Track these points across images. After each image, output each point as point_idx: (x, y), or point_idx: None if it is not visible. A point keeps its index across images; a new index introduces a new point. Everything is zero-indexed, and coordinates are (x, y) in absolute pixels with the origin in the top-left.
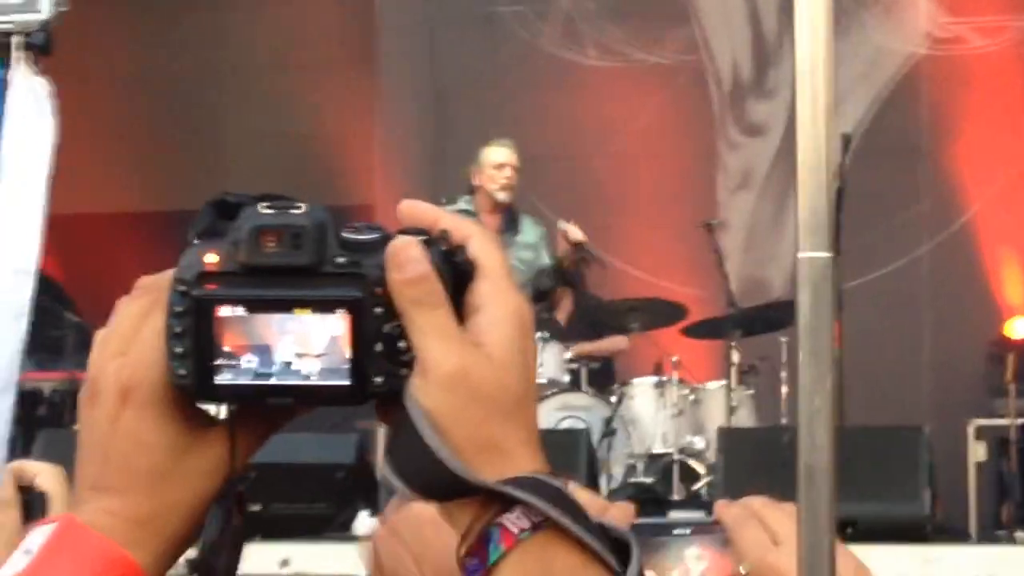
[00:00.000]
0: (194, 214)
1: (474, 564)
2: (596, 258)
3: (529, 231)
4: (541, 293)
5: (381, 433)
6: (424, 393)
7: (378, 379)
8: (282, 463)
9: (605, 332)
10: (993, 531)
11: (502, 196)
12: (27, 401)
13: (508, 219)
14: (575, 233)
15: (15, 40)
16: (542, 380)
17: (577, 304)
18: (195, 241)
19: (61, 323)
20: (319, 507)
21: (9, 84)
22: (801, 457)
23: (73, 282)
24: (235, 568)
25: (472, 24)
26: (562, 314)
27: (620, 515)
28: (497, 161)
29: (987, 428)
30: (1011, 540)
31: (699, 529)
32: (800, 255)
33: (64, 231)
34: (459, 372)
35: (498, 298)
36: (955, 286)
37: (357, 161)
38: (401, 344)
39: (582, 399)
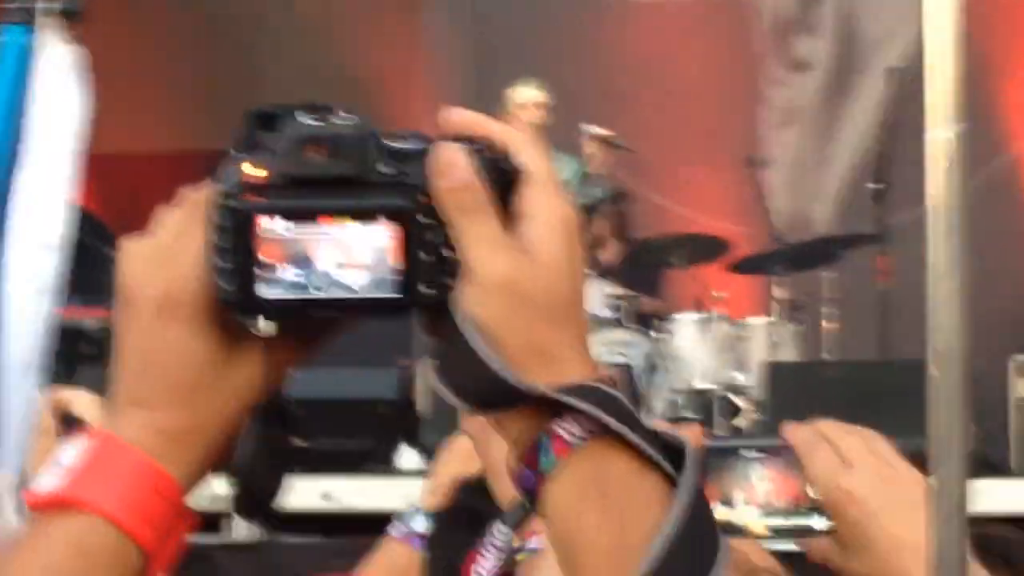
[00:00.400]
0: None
1: (527, 473)
2: (625, 149)
3: (564, 169)
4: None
5: (422, 369)
6: (473, 301)
7: (425, 289)
8: (324, 398)
9: (648, 271)
10: None
11: None
12: (68, 338)
13: None
14: (598, 129)
15: (40, 6)
16: None
17: (625, 246)
18: (235, 153)
19: (103, 260)
20: (361, 442)
21: (37, 52)
22: (930, 344)
23: (114, 221)
24: (276, 489)
25: None
26: (607, 255)
27: (691, 437)
28: (519, 101)
29: None
30: None
31: (767, 451)
32: (930, 134)
33: (105, 170)
34: (508, 279)
35: (545, 204)
36: (1002, 221)
37: (398, 96)
38: (447, 253)
39: (624, 335)
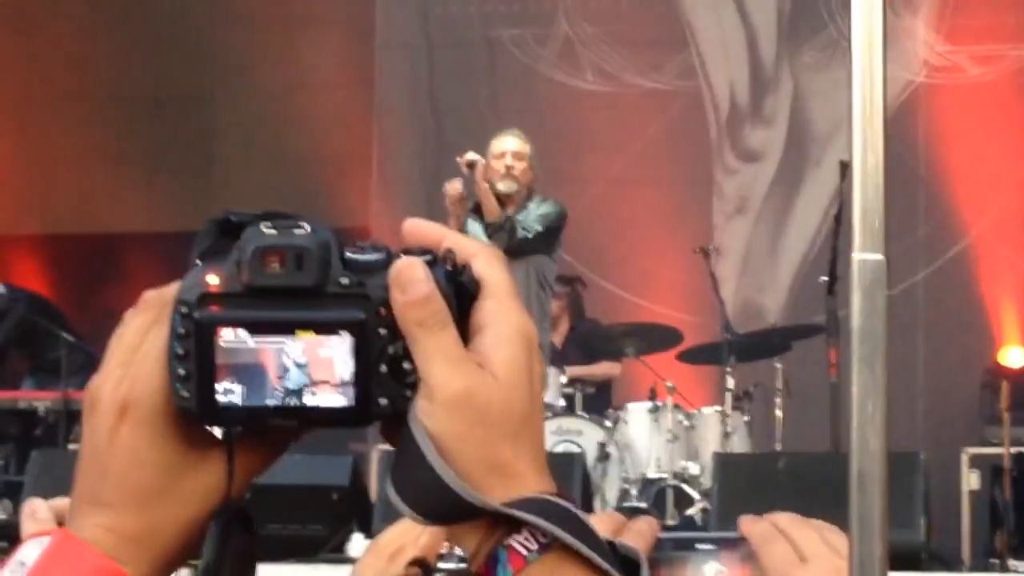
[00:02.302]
0: (189, 235)
1: None
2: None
3: (529, 218)
4: (513, 247)
5: (375, 456)
6: (429, 416)
7: (383, 401)
8: (276, 484)
9: (599, 357)
10: (986, 560)
11: (501, 186)
12: (23, 421)
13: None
14: (470, 156)
15: None
16: None
17: (573, 328)
18: (197, 261)
19: (56, 343)
20: (313, 529)
21: None
22: (853, 465)
23: (65, 302)
24: None
25: (471, 47)
26: (558, 336)
27: (646, 529)
28: (497, 151)
29: (981, 456)
30: (1004, 568)
31: (722, 544)
32: (854, 256)
33: (56, 251)
34: (464, 394)
35: (503, 317)
36: (951, 313)
37: (354, 182)
38: (406, 365)
39: (577, 423)
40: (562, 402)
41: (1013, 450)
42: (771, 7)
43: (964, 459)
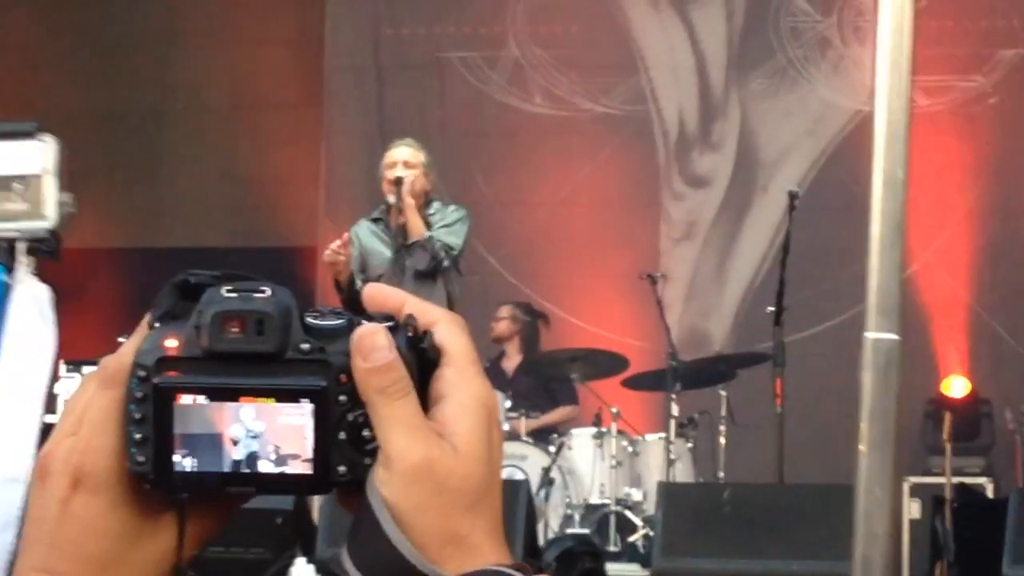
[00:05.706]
0: (138, 251)
1: None
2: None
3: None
4: (431, 269)
5: None
6: (387, 485)
7: (341, 468)
8: None
9: (554, 392)
10: None
11: (390, 199)
12: None
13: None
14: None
15: (20, 246)
16: None
17: (525, 358)
18: (156, 324)
19: None
20: (256, 552)
21: (11, 289)
22: (857, 549)
23: None
24: None
25: (421, 69)
26: (510, 364)
27: None
28: (388, 161)
29: (922, 486)
30: None
31: None
32: (868, 335)
33: None
34: (424, 464)
35: (463, 385)
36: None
37: (302, 202)
38: (365, 433)
39: (522, 448)
40: (507, 427)
41: (955, 480)
42: (721, 34)
43: (905, 488)
